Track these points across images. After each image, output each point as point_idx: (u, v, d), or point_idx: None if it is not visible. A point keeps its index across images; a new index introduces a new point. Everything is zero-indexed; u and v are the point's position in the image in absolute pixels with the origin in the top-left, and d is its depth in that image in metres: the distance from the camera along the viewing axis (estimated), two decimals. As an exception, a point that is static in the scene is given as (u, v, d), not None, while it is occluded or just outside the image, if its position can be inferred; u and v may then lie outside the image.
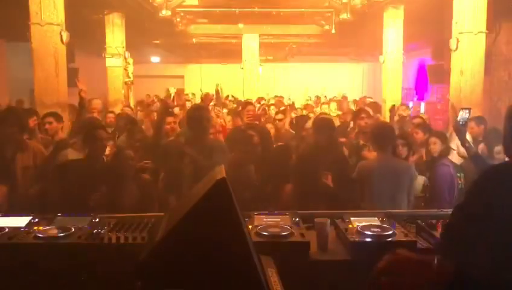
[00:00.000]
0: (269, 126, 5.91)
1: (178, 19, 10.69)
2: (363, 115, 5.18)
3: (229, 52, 14.69)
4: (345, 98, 13.77)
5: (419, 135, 4.74)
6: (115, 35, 9.89)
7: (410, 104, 12.76)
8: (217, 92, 11.33)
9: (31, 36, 6.17)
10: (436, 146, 4.31)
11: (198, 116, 3.66)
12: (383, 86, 9.98)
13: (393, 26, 9.66)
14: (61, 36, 6.22)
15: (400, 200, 3.54)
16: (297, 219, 2.70)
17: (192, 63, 18.90)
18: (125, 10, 9.63)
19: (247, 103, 6.28)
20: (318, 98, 12.35)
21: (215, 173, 1.69)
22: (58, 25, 6.18)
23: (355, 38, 13.20)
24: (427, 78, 12.61)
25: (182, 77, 19.25)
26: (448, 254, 2.07)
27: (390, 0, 8.94)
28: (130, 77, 10.16)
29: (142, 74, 17.51)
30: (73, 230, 2.48)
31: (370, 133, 4.07)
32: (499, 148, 4.16)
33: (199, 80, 17.72)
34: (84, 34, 10.17)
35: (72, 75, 9.41)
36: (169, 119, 4.91)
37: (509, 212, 1.78)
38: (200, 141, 3.70)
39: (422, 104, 15.06)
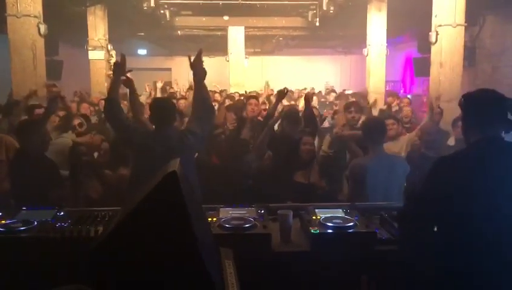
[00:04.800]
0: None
1: (162, 11, 10.60)
2: (351, 109, 5.06)
3: (216, 45, 14.61)
4: (331, 90, 13.80)
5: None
6: (97, 27, 9.79)
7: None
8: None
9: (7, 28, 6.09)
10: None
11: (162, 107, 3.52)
12: (366, 78, 10.02)
13: (377, 19, 9.68)
14: (39, 28, 6.15)
15: (392, 195, 3.39)
16: (262, 211, 2.72)
17: (179, 56, 18.76)
18: (108, 2, 9.53)
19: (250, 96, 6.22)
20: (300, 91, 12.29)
21: (169, 166, 1.69)
22: (35, 17, 6.10)
23: (342, 31, 13.20)
24: (413, 71, 12.68)
25: (170, 69, 19.10)
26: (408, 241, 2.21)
27: (374, -8, 8.95)
28: (113, 70, 10.03)
29: (128, 66, 17.34)
30: (35, 224, 2.48)
31: (362, 128, 3.95)
32: None
33: (187, 73, 17.60)
34: (70, 26, 10.05)
35: (56, 68, 9.36)
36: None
37: (462, 197, 1.95)
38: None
39: (408, 97, 15.15)
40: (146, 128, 3.69)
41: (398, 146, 4.43)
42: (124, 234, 1.51)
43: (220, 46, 13.89)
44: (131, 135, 3.34)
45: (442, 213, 2.00)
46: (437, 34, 6.67)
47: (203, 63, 3.42)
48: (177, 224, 1.50)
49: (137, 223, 1.51)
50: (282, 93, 4.83)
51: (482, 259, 1.92)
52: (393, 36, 12.30)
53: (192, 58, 3.43)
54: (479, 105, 2.11)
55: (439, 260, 2.02)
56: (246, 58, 13.17)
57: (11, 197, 3.65)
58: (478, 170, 1.99)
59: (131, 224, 1.52)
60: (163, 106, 3.52)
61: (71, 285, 1.40)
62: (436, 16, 6.73)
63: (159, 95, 8.53)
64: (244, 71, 13.11)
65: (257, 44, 16.35)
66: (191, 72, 3.39)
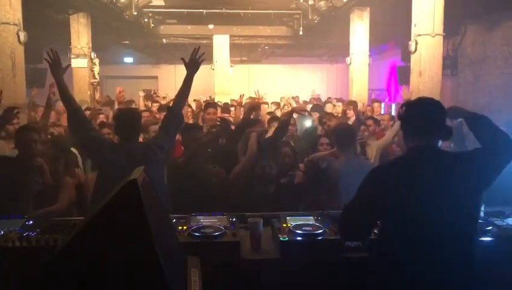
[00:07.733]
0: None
1: (145, 20, 10.60)
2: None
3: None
4: (318, 98, 13.88)
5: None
6: (81, 35, 9.75)
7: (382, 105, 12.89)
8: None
9: (-15, 36, 6.02)
10: None
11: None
12: (349, 86, 10.10)
13: (359, 28, 9.77)
14: (19, 36, 6.09)
15: None
16: (233, 219, 2.72)
17: (166, 64, 18.75)
18: (90, 10, 9.50)
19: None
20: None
21: (131, 175, 1.69)
22: (15, 24, 6.03)
23: (327, 40, 13.32)
24: (397, 80, 12.81)
25: (156, 77, 19.07)
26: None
27: (355, 2, 9.02)
28: (96, 78, 10.01)
29: (114, 74, 17.30)
30: (1, 233, 2.45)
31: (332, 134, 4.05)
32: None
33: (173, 81, 17.59)
34: (54, 34, 9.99)
35: (41, 76, 9.27)
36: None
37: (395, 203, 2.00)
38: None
39: (393, 105, 15.30)
40: (111, 141, 3.63)
41: (368, 152, 4.48)
42: (82, 243, 1.50)
43: (205, 55, 13.82)
44: (96, 147, 3.25)
45: (377, 217, 2.08)
46: (416, 43, 6.75)
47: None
48: (136, 232, 1.49)
49: (96, 231, 1.50)
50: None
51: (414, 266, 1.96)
52: (378, 45, 12.44)
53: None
54: (415, 113, 2.14)
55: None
56: (231, 66, 13.20)
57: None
58: (408, 178, 2.02)
59: (90, 232, 1.52)
60: (127, 117, 3.37)
61: None
62: (415, 26, 6.82)
63: (142, 104, 8.49)
64: (229, 79, 13.14)
65: (243, 52, 16.43)
66: (178, 81, 3.38)
